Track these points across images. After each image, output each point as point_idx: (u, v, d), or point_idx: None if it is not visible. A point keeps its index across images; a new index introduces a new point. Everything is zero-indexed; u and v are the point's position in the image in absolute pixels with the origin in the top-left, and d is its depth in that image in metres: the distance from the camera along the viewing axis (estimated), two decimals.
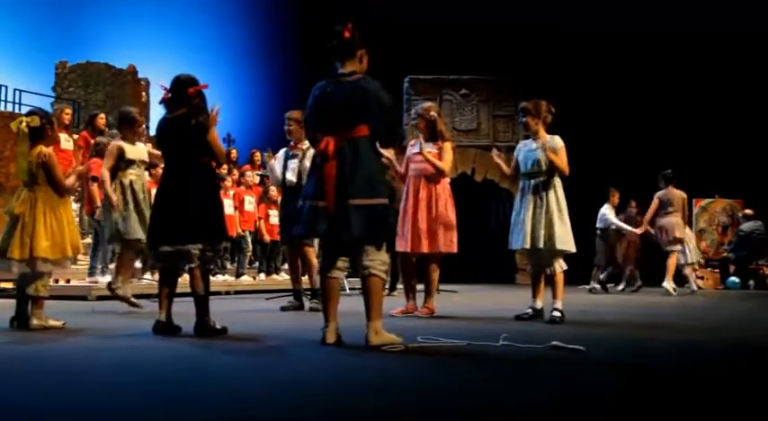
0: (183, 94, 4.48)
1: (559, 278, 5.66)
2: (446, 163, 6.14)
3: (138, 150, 6.41)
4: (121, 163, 6.28)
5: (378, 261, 3.90)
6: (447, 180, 6.29)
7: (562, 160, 5.63)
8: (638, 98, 14.95)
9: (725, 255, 14.18)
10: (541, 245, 5.53)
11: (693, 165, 13.51)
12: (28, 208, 4.65)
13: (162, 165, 5.60)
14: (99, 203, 7.78)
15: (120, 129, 6.49)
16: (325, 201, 3.85)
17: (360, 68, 4.01)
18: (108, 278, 8.05)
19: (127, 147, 6.31)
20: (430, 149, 6.13)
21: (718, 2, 14.47)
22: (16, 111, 14.75)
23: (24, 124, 4.72)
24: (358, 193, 3.82)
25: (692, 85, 14.63)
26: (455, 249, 6.14)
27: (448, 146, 6.21)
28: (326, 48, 4.03)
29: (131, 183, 6.29)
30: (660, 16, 14.83)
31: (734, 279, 13.39)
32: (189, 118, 4.44)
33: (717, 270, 14.06)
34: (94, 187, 7.57)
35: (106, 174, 6.23)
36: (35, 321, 4.67)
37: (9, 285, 8.79)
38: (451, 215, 6.13)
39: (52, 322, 4.73)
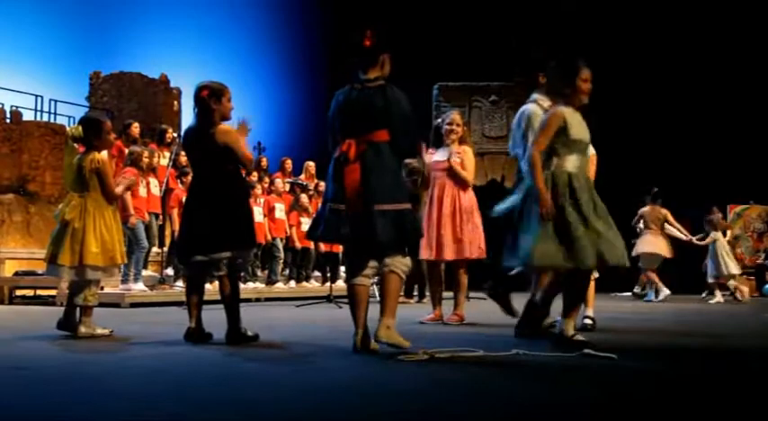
0: (197, 100, 4.50)
1: (590, 286, 5.60)
2: (470, 172, 6.17)
3: None
4: None
5: (398, 261, 3.89)
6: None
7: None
8: (671, 105, 14.79)
9: (760, 261, 13.94)
10: None
11: (728, 171, 13.32)
12: (78, 214, 4.70)
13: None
14: (132, 211, 7.95)
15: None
16: (346, 205, 3.83)
17: (383, 73, 3.99)
18: (140, 285, 8.16)
19: None
20: (454, 159, 6.12)
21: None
22: (52, 120, 15.01)
23: (70, 133, 4.80)
24: (383, 198, 3.79)
25: (725, 91, 14.44)
26: (484, 254, 6.11)
27: (468, 150, 6.21)
28: (347, 56, 4.02)
29: None
30: (691, 25, 14.68)
31: None
32: (206, 127, 4.46)
33: (752, 277, 13.82)
34: (128, 195, 7.72)
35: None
36: (83, 329, 4.70)
37: (47, 292, 8.96)
38: (477, 220, 6.11)
39: (100, 331, 4.76)
